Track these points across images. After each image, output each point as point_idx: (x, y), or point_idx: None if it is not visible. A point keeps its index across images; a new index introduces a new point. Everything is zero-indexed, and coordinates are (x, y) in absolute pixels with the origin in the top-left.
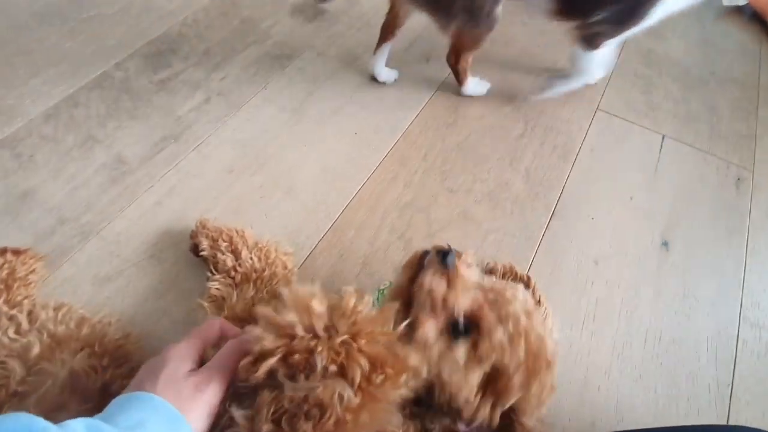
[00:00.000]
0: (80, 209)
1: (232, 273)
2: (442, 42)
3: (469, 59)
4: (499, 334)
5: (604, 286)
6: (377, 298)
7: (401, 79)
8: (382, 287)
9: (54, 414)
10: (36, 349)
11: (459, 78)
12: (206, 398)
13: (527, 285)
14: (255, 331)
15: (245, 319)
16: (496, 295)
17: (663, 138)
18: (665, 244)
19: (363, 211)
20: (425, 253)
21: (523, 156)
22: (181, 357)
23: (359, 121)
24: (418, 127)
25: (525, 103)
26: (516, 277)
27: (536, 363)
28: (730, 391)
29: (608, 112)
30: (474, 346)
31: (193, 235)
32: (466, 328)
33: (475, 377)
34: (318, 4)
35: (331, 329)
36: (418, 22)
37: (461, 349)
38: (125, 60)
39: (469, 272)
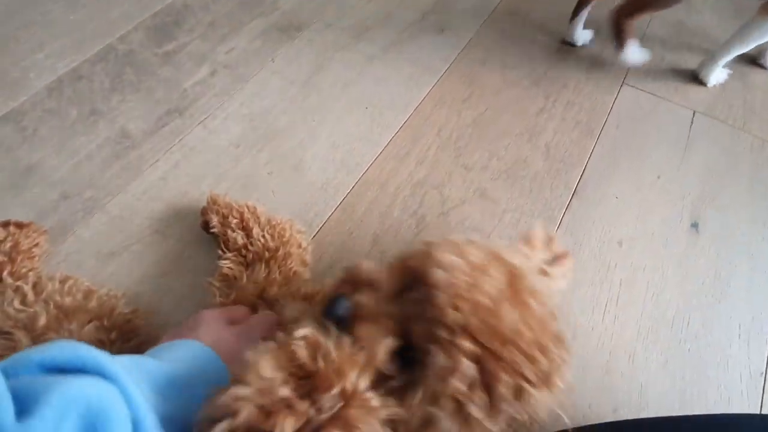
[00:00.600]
0: (84, 184)
1: (243, 251)
2: (457, 13)
3: (636, 21)
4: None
5: (628, 269)
6: None
7: (414, 51)
8: None
9: None
10: (42, 320)
11: (620, 39)
12: (243, 351)
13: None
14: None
15: (254, 302)
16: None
17: (694, 114)
18: (695, 225)
19: (374, 188)
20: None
21: (543, 132)
22: (217, 317)
23: (370, 95)
24: (431, 101)
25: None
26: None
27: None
28: (763, 381)
29: (635, 87)
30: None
31: (204, 211)
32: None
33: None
34: None
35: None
36: None
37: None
38: (129, 33)
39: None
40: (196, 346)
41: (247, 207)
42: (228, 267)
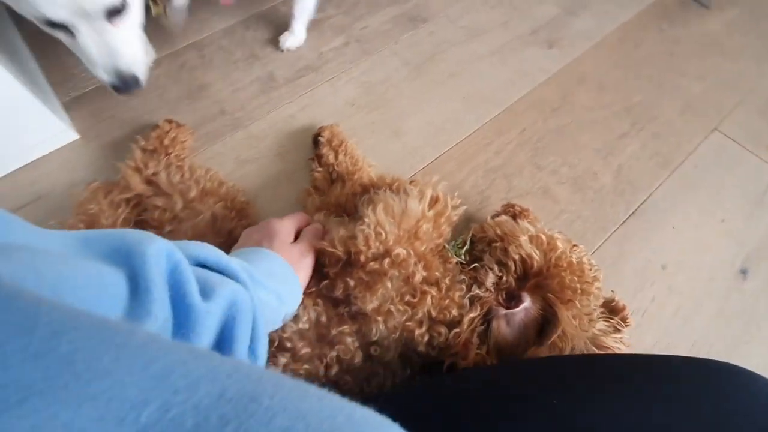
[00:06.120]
0: (236, 107)
1: (331, 169)
2: (569, 33)
3: None
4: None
5: (665, 289)
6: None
7: (520, 59)
8: (456, 241)
9: (198, 240)
10: (193, 193)
11: None
12: (307, 263)
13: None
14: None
15: (340, 206)
16: None
17: None
18: (744, 271)
19: (452, 163)
20: None
21: (620, 154)
22: (288, 231)
23: (471, 87)
24: (523, 104)
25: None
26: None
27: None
28: None
29: (726, 135)
30: None
31: (321, 129)
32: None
33: None
34: None
35: None
36: (547, 9)
37: None
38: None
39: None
40: (279, 261)
41: (348, 142)
42: (318, 176)
